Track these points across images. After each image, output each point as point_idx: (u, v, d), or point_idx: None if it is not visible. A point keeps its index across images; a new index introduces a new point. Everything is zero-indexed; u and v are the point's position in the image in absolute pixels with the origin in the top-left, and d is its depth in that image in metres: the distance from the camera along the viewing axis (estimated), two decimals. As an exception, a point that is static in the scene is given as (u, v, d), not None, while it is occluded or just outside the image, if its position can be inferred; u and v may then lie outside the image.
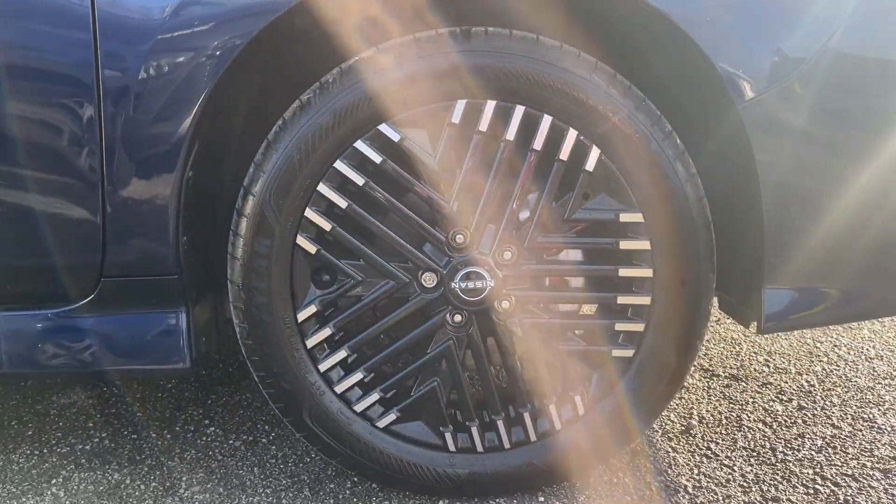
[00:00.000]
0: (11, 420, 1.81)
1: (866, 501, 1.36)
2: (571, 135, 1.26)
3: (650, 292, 1.30)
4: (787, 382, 1.85)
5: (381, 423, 1.35)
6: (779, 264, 1.29)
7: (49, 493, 1.50)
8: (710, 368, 1.95)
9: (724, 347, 2.09)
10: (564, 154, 1.27)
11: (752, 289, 1.34)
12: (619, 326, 1.33)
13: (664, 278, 1.29)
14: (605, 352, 1.33)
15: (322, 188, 1.27)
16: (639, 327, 1.32)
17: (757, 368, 1.94)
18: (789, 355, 2.01)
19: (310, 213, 1.28)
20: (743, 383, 1.86)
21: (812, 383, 1.84)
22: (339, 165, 1.27)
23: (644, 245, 1.29)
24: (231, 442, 1.67)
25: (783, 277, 1.30)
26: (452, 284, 1.30)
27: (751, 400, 1.77)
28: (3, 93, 1.23)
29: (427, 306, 1.33)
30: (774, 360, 1.99)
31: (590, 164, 1.27)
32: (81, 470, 1.58)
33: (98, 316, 1.34)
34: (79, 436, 1.72)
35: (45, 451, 1.66)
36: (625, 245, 1.29)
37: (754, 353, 2.04)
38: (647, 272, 1.30)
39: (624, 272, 1.30)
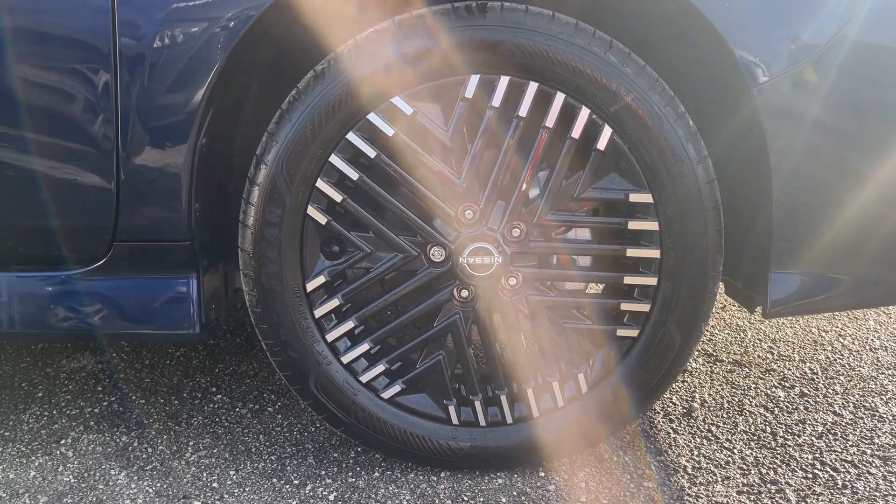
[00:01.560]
0: (22, 381, 1.84)
1: (864, 487, 1.37)
2: (584, 113, 1.26)
3: (657, 273, 1.31)
4: (790, 370, 1.86)
5: (386, 395, 1.37)
6: (786, 250, 1.30)
7: (58, 452, 1.52)
8: (714, 354, 1.95)
9: (728, 334, 2.09)
10: (576, 132, 1.27)
11: (759, 273, 1.35)
12: (625, 306, 1.33)
13: (672, 260, 1.30)
14: (609, 331, 1.34)
15: (334, 160, 1.28)
16: (644, 307, 1.33)
17: (761, 355, 1.95)
18: (794, 343, 2.02)
19: (321, 184, 1.29)
20: (746, 369, 1.86)
21: (815, 371, 1.85)
22: (352, 137, 1.27)
23: (653, 226, 1.29)
24: (238, 410, 1.70)
25: (790, 263, 1.30)
26: (460, 259, 1.31)
27: (753, 385, 1.78)
28: (22, 59, 1.25)
29: (434, 280, 1.34)
30: (778, 347, 2.00)
31: (601, 143, 1.27)
32: (90, 432, 1.60)
33: (109, 279, 1.36)
34: (88, 399, 1.75)
35: (54, 412, 1.69)
36: (633, 225, 1.30)
37: (759, 340, 2.05)
38: (654, 253, 1.30)
39: (632, 252, 1.31)
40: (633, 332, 1.34)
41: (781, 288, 1.32)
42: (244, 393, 1.78)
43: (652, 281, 1.31)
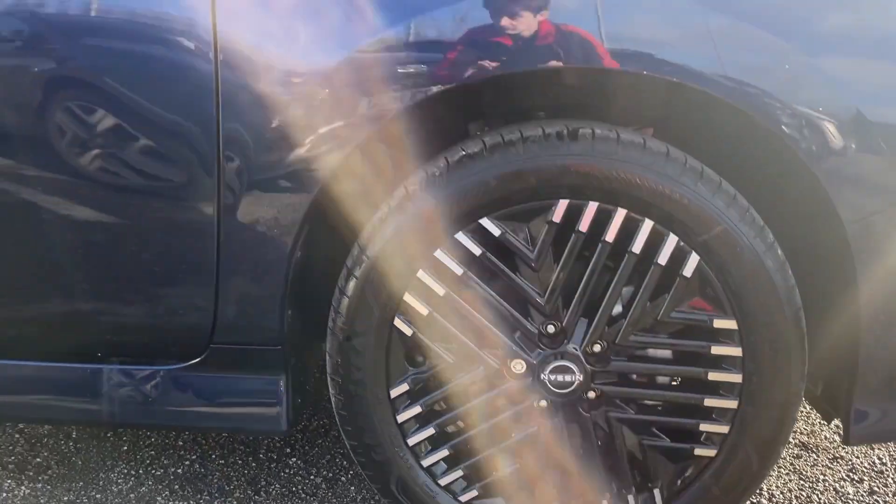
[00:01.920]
0: (107, 432, 1.94)
1: None
2: (671, 240, 1.27)
3: (738, 396, 1.32)
4: (858, 458, 1.85)
5: (464, 498, 1.41)
6: (873, 385, 1.29)
7: (148, 522, 1.61)
8: (781, 433, 1.95)
9: (794, 407, 2.08)
10: (662, 259, 1.28)
11: (841, 400, 1.35)
12: (704, 426, 1.35)
13: (753, 385, 1.31)
14: (687, 449, 1.36)
15: (422, 275, 1.32)
16: (724, 429, 1.34)
17: (828, 437, 1.94)
18: (862, 423, 2.00)
19: (408, 298, 1.33)
20: (814, 455, 1.86)
21: (884, 461, 1.83)
22: (440, 255, 1.31)
23: (736, 352, 1.30)
24: (312, 478, 1.76)
25: (877, 398, 1.30)
26: (541, 375, 1.34)
27: (821, 477, 1.77)
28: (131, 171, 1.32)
29: (515, 393, 1.37)
30: (847, 427, 1.98)
31: (687, 270, 1.28)
32: (176, 497, 1.69)
33: (203, 375, 1.43)
34: (170, 456, 1.84)
35: (140, 471, 1.78)
36: (716, 350, 1.31)
37: (826, 416, 2.03)
38: (736, 377, 1.31)
39: (713, 375, 1.32)
40: (711, 452, 1.35)
41: (866, 419, 1.31)
42: (317, 456, 1.84)
43: (732, 404, 1.32)
